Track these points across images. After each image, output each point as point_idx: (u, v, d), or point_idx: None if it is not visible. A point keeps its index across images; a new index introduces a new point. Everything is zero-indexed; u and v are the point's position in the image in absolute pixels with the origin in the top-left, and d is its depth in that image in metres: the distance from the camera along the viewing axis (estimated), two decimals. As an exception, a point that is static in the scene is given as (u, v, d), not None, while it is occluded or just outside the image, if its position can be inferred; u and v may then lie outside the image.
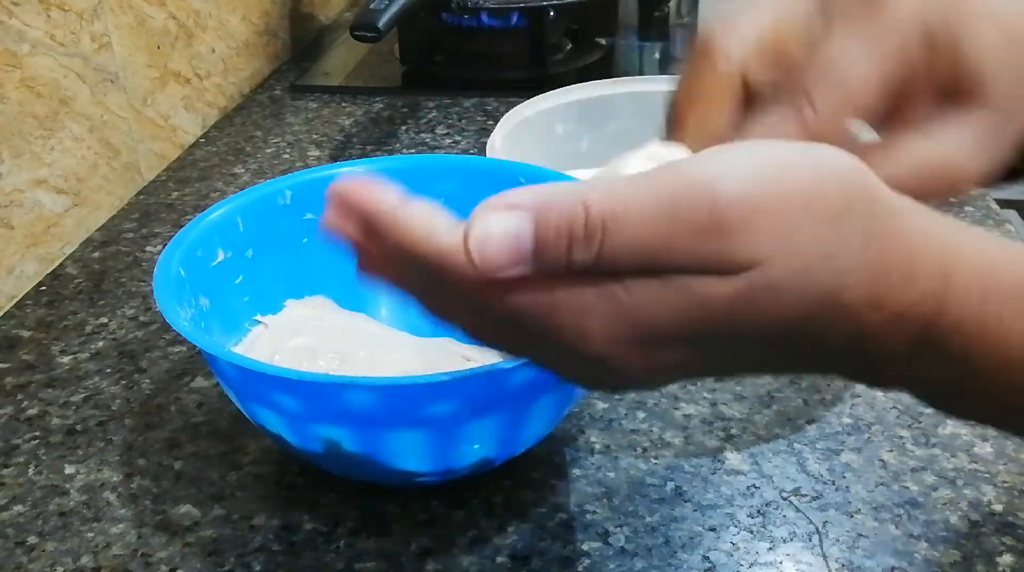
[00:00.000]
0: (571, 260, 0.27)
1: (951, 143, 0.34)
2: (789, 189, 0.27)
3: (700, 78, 0.35)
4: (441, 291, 0.29)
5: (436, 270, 0.28)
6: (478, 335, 0.30)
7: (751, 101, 0.36)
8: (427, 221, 0.28)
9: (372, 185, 0.29)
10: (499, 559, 0.47)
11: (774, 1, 0.36)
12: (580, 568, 0.47)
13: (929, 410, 0.57)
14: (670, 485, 0.52)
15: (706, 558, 0.47)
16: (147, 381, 0.61)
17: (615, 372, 0.29)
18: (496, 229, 0.27)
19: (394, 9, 0.89)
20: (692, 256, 0.27)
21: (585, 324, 0.27)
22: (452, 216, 0.28)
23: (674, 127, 0.36)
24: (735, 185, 0.26)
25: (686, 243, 0.26)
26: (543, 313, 0.28)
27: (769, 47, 0.35)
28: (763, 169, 0.27)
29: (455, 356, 0.58)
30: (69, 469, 0.54)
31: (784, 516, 0.50)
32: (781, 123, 0.34)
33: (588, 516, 0.50)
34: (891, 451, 0.54)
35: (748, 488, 0.52)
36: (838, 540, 0.48)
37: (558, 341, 0.28)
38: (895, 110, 0.35)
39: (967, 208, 0.79)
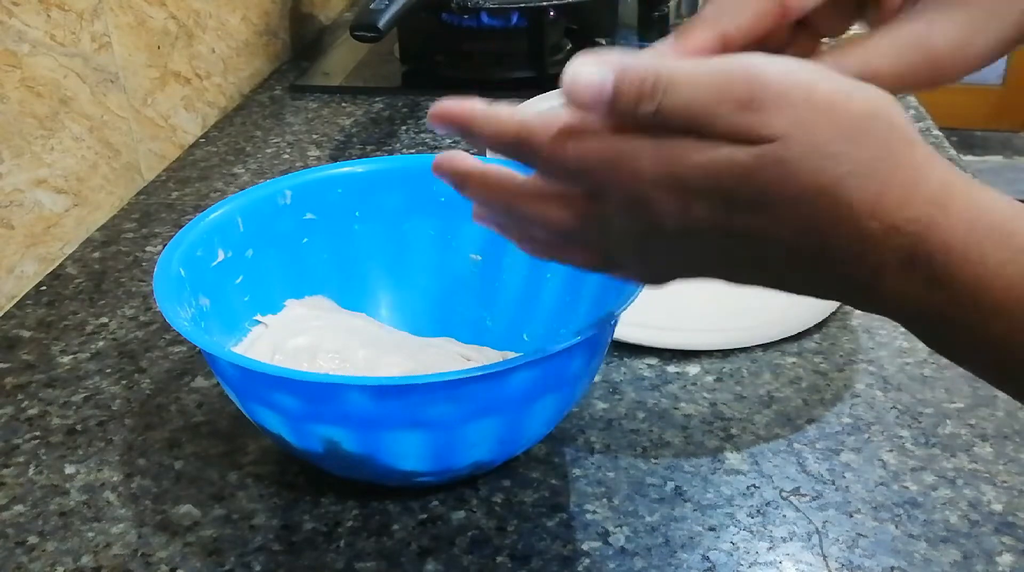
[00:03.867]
0: (637, 111, 0.33)
1: (934, 30, 0.38)
2: (820, 90, 0.31)
3: None
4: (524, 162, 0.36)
5: (522, 137, 0.35)
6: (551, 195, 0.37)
7: None
8: (510, 110, 0.35)
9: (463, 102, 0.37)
10: (499, 559, 0.47)
11: None
12: (580, 568, 0.47)
13: (929, 410, 0.57)
14: (670, 485, 0.52)
15: (706, 558, 0.47)
16: (147, 381, 0.61)
17: (656, 227, 0.34)
18: (585, 73, 0.33)
19: (394, 9, 0.89)
20: (727, 124, 0.32)
21: (638, 166, 0.33)
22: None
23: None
24: (774, 73, 0.31)
25: (725, 111, 0.32)
26: (607, 158, 0.34)
27: None
28: (801, 72, 0.32)
29: (455, 356, 0.58)
30: (69, 469, 0.54)
31: (784, 516, 0.50)
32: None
33: (588, 516, 0.50)
34: (891, 451, 0.54)
35: (748, 488, 0.52)
36: (838, 540, 0.48)
37: (616, 186, 0.34)
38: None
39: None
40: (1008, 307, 0.31)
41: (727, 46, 0.38)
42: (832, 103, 0.31)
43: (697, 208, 0.33)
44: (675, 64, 0.33)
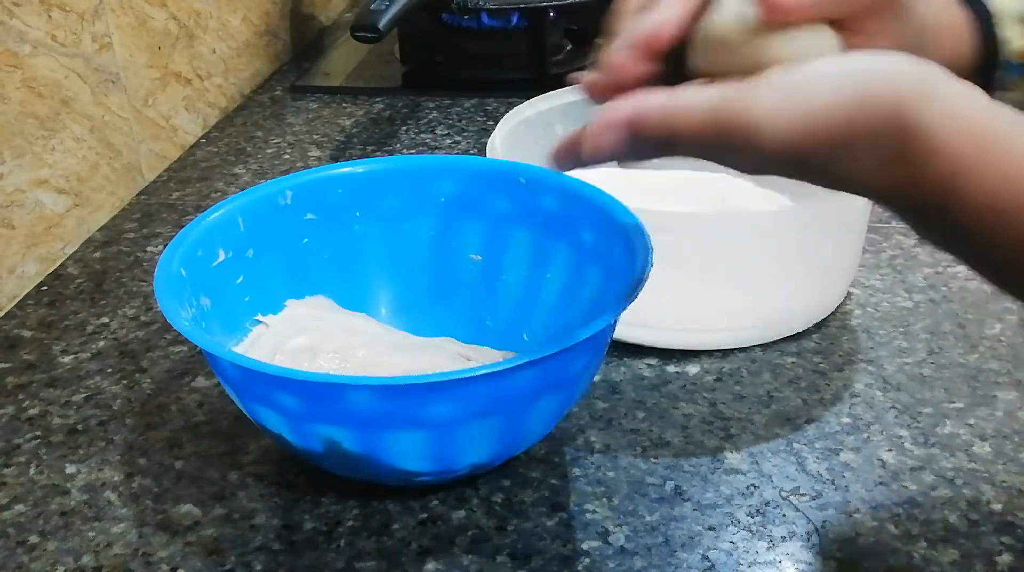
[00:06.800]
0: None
1: None
2: (819, 133, 0.34)
3: None
4: None
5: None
6: None
7: None
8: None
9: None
10: (499, 559, 0.48)
11: None
12: (580, 568, 0.47)
13: (929, 410, 0.57)
14: (670, 484, 0.52)
15: (705, 557, 0.47)
16: (148, 381, 0.61)
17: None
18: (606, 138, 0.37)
19: (394, 9, 0.89)
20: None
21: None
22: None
23: None
24: (771, 132, 0.34)
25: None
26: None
27: None
28: (803, 114, 0.34)
29: (455, 356, 0.59)
30: (70, 469, 0.54)
31: (783, 515, 0.50)
32: None
33: (588, 516, 0.50)
34: (890, 451, 0.54)
35: (747, 488, 0.52)
36: (838, 540, 0.48)
37: None
38: None
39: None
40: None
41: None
42: (833, 143, 0.34)
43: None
44: (688, 116, 0.36)
